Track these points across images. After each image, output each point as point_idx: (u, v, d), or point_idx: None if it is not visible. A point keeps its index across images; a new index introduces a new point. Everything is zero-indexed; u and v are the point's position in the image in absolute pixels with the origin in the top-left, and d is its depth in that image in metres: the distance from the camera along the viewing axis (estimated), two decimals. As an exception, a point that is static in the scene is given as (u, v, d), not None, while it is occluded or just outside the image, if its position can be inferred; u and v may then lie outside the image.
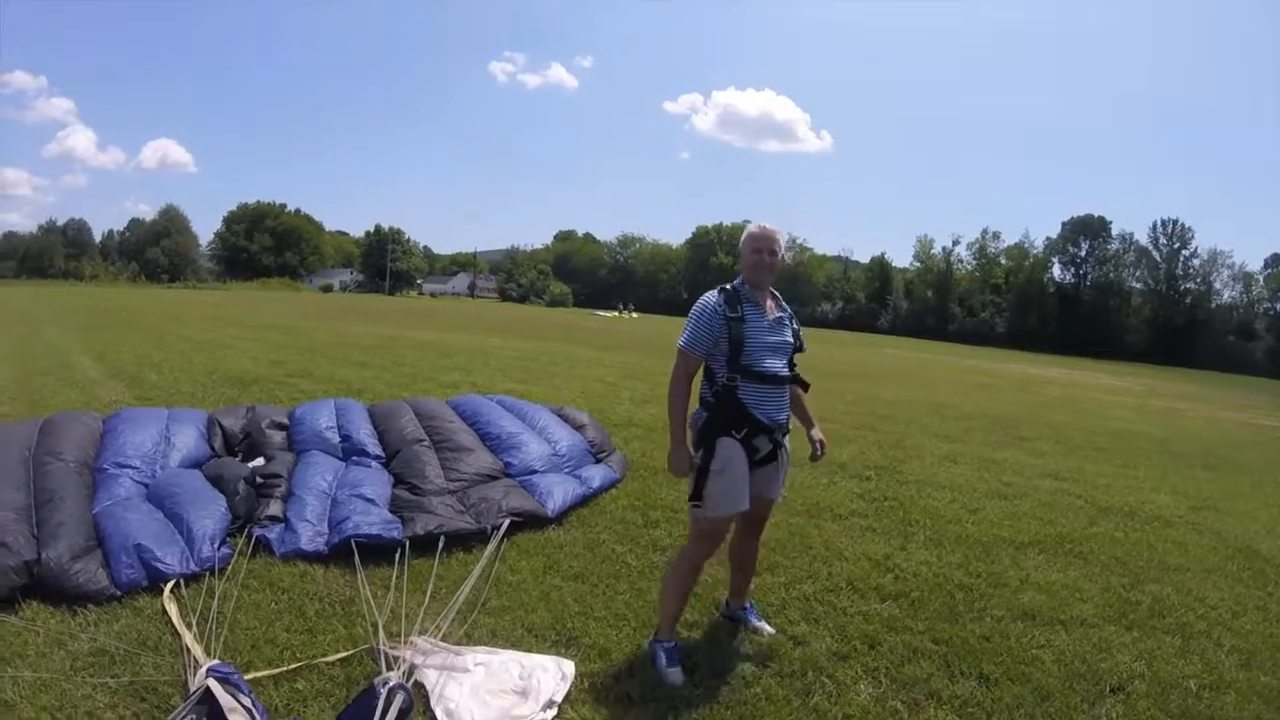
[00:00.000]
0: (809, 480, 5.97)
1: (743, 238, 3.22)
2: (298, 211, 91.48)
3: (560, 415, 6.25)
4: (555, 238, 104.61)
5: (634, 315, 49.37)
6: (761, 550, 4.25)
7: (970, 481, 6.52)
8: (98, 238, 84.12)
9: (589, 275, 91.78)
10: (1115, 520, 5.69)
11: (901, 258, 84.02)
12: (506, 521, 4.24)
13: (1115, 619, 3.78)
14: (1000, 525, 5.21)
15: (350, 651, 2.96)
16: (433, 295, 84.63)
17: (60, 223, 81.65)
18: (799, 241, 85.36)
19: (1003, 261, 77.25)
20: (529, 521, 4.41)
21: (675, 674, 2.93)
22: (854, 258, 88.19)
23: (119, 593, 3.37)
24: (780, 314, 3.16)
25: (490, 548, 3.93)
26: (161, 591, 3.36)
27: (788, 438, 3.19)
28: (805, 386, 3.24)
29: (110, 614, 3.23)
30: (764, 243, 3.13)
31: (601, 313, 52.42)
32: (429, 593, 3.46)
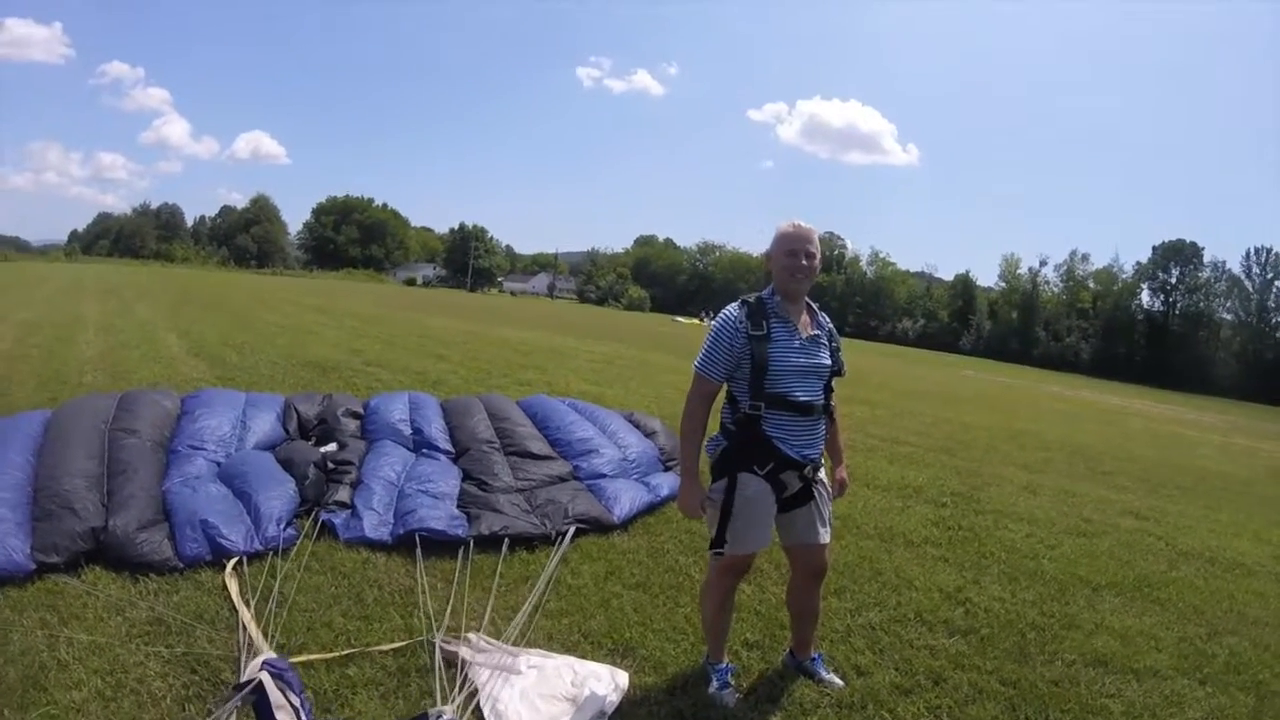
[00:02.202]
0: (883, 504, 5.79)
1: (774, 238, 2.77)
2: (384, 206, 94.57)
3: (631, 421, 6.20)
4: (635, 242, 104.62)
5: (711, 323, 48.92)
6: (829, 574, 4.08)
7: (1049, 515, 6.20)
8: (189, 222, 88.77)
9: (667, 281, 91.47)
10: (1195, 565, 5.34)
11: (986, 277, 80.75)
12: (572, 529, 4.17)
13: (1189, 671, 3.52)
14: (1077, 564, 4.93)
15: (405, 642, 2.95)
16: (513, 294, 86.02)
17: (154, 206, 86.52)
18: (881, 256, 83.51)
19: (1091, 285, 73.75)
20: (594, 526, 4.34)
21: (727, 696, 2.78)
22: (938, 274, 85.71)
23: (182, 565, 3.42)
24: (816, 331, 2.75)
25: (554, 555, 3.85)
26: (224, 568, 3.40)
27: (822, 473, 2.82)
28: (832, 417, 2.85)
29: (171, 585, 3.27)
30: (800, 243, 2.68)
31: (681, 319, 52.10)
32: (493, 591, 3.43)
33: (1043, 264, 76.26)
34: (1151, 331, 67.83)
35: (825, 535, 2.82)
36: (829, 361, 2.75)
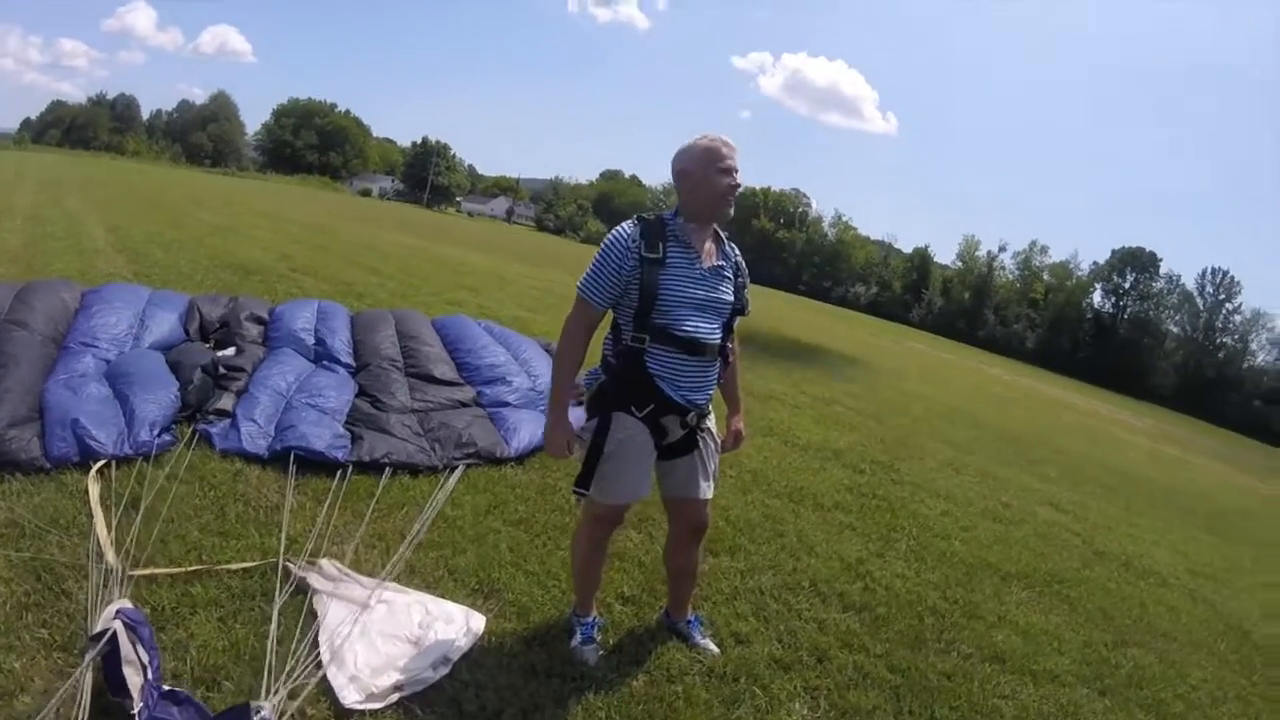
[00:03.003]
0: (799, 463, 5.69)
1: (690, 153, 2.39)
2: (347, 113, 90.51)
3: (548, 350, 5.96)
4: (600, 175, 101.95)
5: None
6: (728, 529, 3.95)
7: (968, 495, 6.17)
8: (145, 116, 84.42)
9: (628, 217, 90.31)
10: (1109, 567, 5.33)
11: (944, 254, 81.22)
12: (462, 467, 3.94)
13: (1090, 680, 3.42)
14: (989, 549, 4.85)
15: (255, 564, 2.74)
16: (469, 215, 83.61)
17: (110, 97, 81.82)
18: (844, 219, 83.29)
19: (1045, 277, 75.16)
20: (486, 459, 4.14)
21: (589, 652, 2.58)
22: (896, 245, 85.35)
23: (49, 465, 3.20)
24: (720, 262, 2.44)
25: (436, 493, 3.55)
26: (89, 471, 3.18)
27: (710, 420, 2.54)
28: (728, 360, 2.56)
29: (35, 486, 3.06)
30: (734, 159, 2.36)
31: None
32: (366, 518, 3.21)
33: (1001, 249, 77.10)
34: (1098, 331, 69.45)
35: (707, 489, 2.57)
36: (731, 297, 2.46)
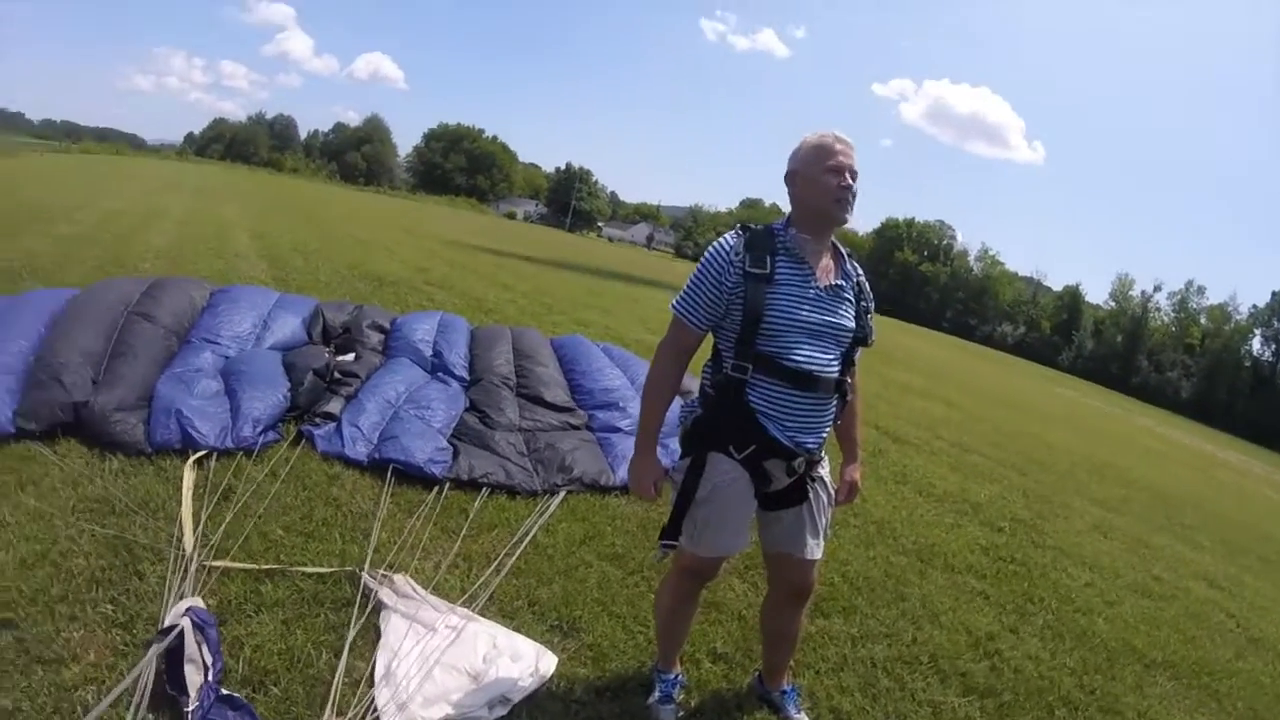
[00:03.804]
0: (932, 516, 5.14)
1: (799, 152, 2.09)
2: (494, 138, 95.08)
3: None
4: (740, 203, 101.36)
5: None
6: (843, 587, 3.54)
7: (1115, 564, 5.39)
8: (303, 135, 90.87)
9: None
10: (1266, 658, 4.46)
11: (1096, 293, 75.18)
12: (563, 493, 3.75)
13: None
14: (1135, 630, 4.16)
15: (328, 570, 2.66)
16: (610, 240, 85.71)
17: (269, 116, 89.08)
18: (991, 253, 78.79)
19: (1202, 321, 67.99)
20: (589, 488, 3.93)
21: (666, 712, 2.30)
22: (1046, 282, 79.79)
23: (149, 450, 3.34)
24: (840, 281, 2.10)
25: (535, 521, 3.37)
26: (188, 459, 3.27)
27: (825, 468, 2.21)
28: (847, 399, 2.18)
29: (134, 468, 3.20)
30: (847, 158, 2.04)
31: None
32: (458, 537, 3.09)
33: (1156, 289, 70.34)
34: (1256, 381, 61.99)
35: (815, 548, 2.21)
36: (851, 323, 2.10)
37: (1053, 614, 4.00)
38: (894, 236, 78.11)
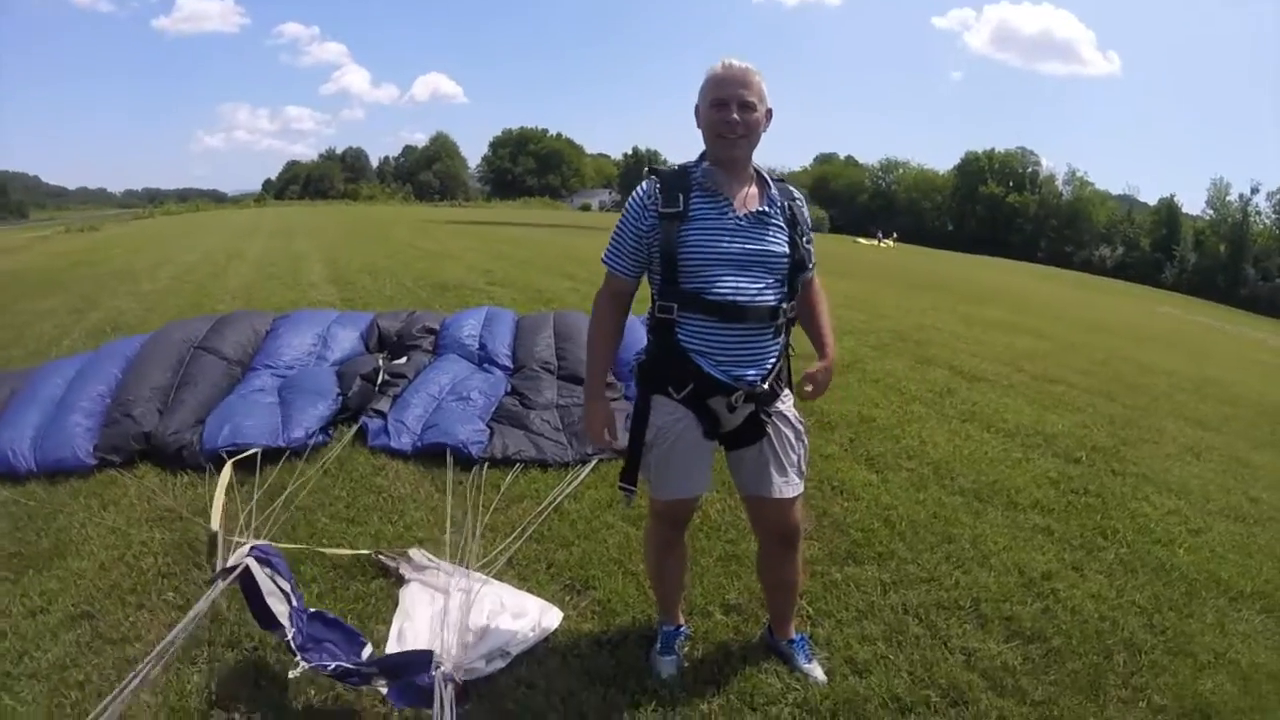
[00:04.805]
0: (997, 451, 4.77)
1: (702, 84, 2.03)
2: (559, 135, 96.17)
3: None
4: (814, 160, 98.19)
5: (891, 245, 45.51)
6: (881, 531, 3.39)
7: (1206, 488, 4.83)
8: (375, 163, 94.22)
9: (847, 200, 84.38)
10: None
11: (1194, 203, 68.43)
12: (594, 462, 3.86)
13: None
14: (1222, 560, 3.64)
15: (350, 551, 2.88)
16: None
17: (339, 151, 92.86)
18: (1079, 175, 73.45)
19: (1309, 217, 60.86)
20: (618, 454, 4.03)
21: (665, 664, 2.31)
22: (1140, 198, 73.42)
23: (203, 458, 3.62)
24: (764, 208, 2.02)
25: (562, 489, 3.50)
26: (240, 462, 3.56)
27: (786, 403, 2.14)
28: (789, 325, 2.12)
29: (198, 480, 3.52)
30: (732, 87, 1.95)
31: (861, 240, 49.35)
32: (487, 509, 3.25)
33: (1254, 191, 63.18)
34: None
35: (785, 487, 2.12)
36: (783, 248, 2.02)
37: (1126, 547, 3.62)
38: (976, 171, 73.93)
